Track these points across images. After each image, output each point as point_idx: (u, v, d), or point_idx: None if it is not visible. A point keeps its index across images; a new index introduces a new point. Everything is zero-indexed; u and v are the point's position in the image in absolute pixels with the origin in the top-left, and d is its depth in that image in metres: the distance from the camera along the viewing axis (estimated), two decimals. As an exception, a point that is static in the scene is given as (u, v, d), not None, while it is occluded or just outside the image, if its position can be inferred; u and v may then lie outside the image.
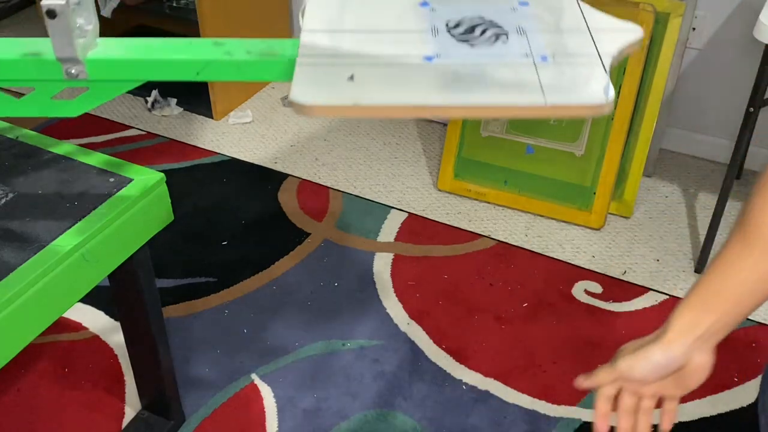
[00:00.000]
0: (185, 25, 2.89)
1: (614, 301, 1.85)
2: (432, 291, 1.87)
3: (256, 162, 2.31)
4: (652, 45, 2.00)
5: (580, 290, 1.88)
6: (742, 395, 1.63)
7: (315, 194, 2.18)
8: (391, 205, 2.15)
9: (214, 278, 1.90)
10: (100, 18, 1.64)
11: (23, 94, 0.95)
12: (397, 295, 1.86)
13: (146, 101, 2.56)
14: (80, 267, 1.11)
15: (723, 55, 2.17)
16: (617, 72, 1.98)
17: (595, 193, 2.05)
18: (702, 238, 2.02)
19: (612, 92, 0.69)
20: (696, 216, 2.11)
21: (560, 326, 1.78)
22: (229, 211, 2.12)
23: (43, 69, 0.90)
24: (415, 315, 1.81)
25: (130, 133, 2.44)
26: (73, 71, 0.87)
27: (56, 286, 1.08)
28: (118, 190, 1.18)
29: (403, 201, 2.16)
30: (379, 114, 0.73)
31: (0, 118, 1.26)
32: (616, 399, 0.86)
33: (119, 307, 1.41)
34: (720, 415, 1.59)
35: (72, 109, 0.94)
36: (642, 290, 1.88)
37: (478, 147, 2.15)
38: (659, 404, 0.87)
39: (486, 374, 1.67)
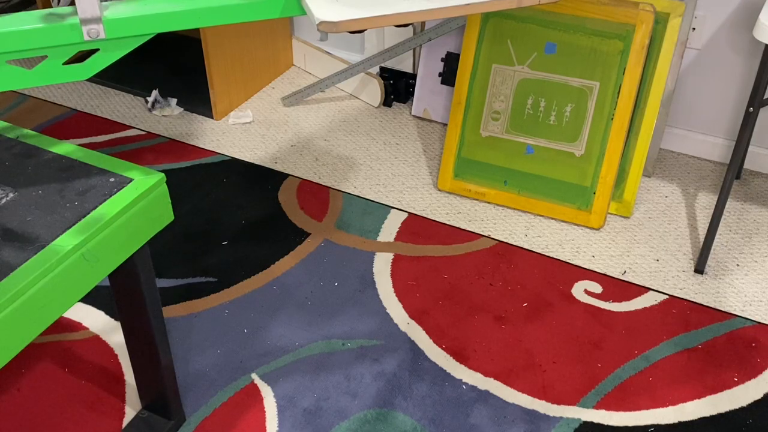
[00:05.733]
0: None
1: (614, 301, 1.85)
2: (432, 291, 1.87)
3: (256, 162, 2.31)
4: (652, 45, 2.00)
5: (580, 290, 1.88)
6: (742, 395, 1.63)
7: (315, 194, 2.18)
8: (391, 205, 2.15)
9: (214, 278, 1.90)
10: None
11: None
12: (397, 295, 1.86)
13: (146, 101, 2.56)
14: (80, 267, 1.11)
15: (723, 55, 2.17)
16: (617, 72, 1.99)
17: (594, 193, 2.05)
18: (702, 238, 2.02)
19: None
20: (696, 216, 2.11)
21: (560, 326, 1.78)
22: (229, 211, 2.12)
23: (60, 34, 0.98)
24: (415, 315, 1.81)
25: (130, 133, 2.44)
26: (93, 32, 0.96)
27: (56, 286, 1.08)
28: (118, 190, 1.18)
29: (403, 201, 2.16)
30: (389, 22, 0.89)
31: (13, 91, 1.28)
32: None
33: (119, 307, 1.41)
34: (720, 415, 1.59)
35: (83, 72, 1.02)
36: (642, 290, 1.88)
37: (477, 147, 2.15)
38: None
39: (486, 374, 1.67)
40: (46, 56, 1.00)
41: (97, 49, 1.02)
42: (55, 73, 1.01)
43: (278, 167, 2.29)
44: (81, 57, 1.04)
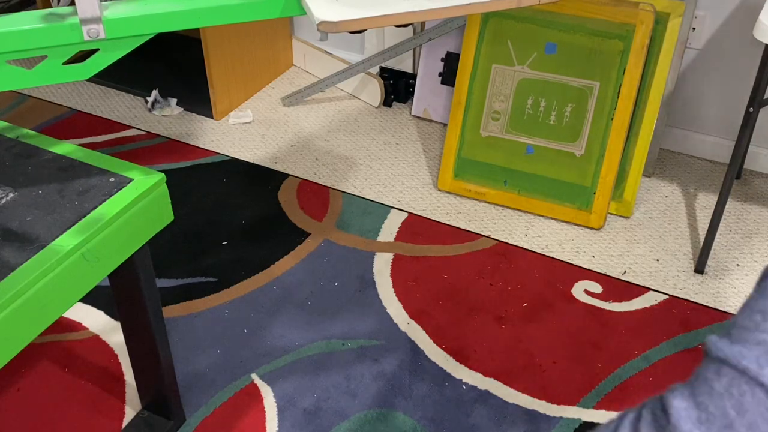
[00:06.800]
0: (185, 25, 2.89)
1: (614, 301, 1.85)
2: (432, 291, 1.87)
3: (256, 162, 2.31)
4: (652, 45, 2.00)
5: (580, 290, 1.88)
6: (742, 395, 1.63)
7: (315, 194, 2.18)
8: (391, 205, 2.15)
9: (214, 278, 1.90)
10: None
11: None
12: (397, 295, 1.86)
13: (146, 101, 2.56)
14: (80, 267, 1.11)
15: (723, 55, 2.17)
16: (617, 72, 1.99)
17: (595, 193, 2.05)
18: (702, 238, 2.02)
19: None
20: (696, 216, 2.11)
21: (560, 326, 1.78)
22: (229, 211, 2.12)
23: (60, 34, 0.98)
24: (415, 315, 1.81)
25: (130, 133, 2.44)
26: (93, 32, 0.96)
27: (56, 286, 1.08)
28: (118, 190, 1.18)
29: (402, 201, 2.16)
30: (389, 22, 0.89)
31: (13, 91, 1.28)
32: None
33: (119, 307, 1.41)
34: (720, 415, 1.59)
35: (83, 72, 1.02)
36: (642, 290, 1.88)
37: (477, 147, 2.15)
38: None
39: (486, 374, 1.67)
40: (46, 56, 1.00)
41: (97, 49, 1.02)
42: (55, 73, 1.01)
43: (278, 167, 2.29)
44: (81, 57, 1.04)
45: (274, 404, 1.61)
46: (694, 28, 2.14)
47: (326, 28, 0.89)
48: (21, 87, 1.02)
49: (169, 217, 1.26)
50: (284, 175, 2.26)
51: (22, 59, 1.00)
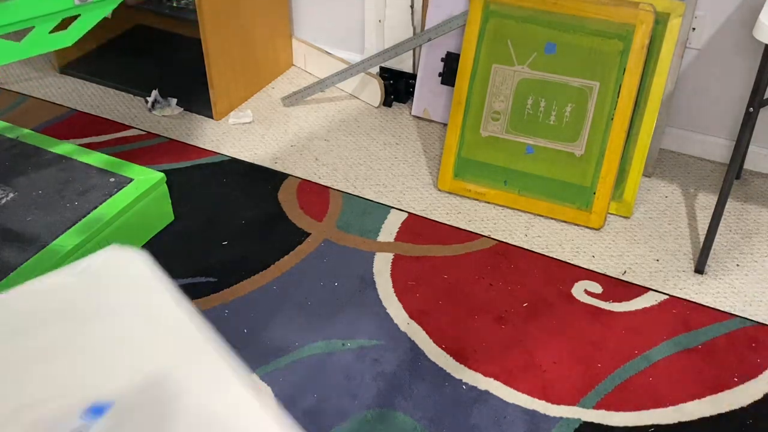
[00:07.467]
0: (185, 25, 2.90)
1: (614, 301, 1.85)
2: (432, 291, 1.87)
3: (256, 162, 2.31)
4: (652, 45, 2.00)
5: (580, 290, 1.88)
6: (742, 395, 1.63)
7: (315, 194, 2.19)
8: (390, 205, 2.15)
9: (214, 278, 1.90)
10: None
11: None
12: (397, 295, 1.86)
13: (146, 101, 2.56)
14: (80, 267, 1.11)
15: (723, 55, 2.17)
16: (617, 72, 1.99)
17: (594, 193, 2.05)
18: (702, 238, 2.02)
19: None
20: (696, 216, 2.11)
21: (560, 326, 1.78)
22: (229, 211, 2.12)
23: (52, 2, 1.02)
24: (415, 315, 1.81)
25: (130, 133, 2.44)
26: None
27: (56, 286, 1.08)
28: (118, 190, 1.19)
29: (402, 201, 2.16)
30: None
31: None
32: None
33: (119, 307, 1.41)
34: (720, 415, 1.59)
35: (68, 38, 1.06)
36: (642, 290, 1.88)
37: (477, 147, 2.15)
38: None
39: (486, 374, 1.67)
40: (33, 27, 1.03)
41: (77, 16, 1.05)
42: (43, 43, 1.04)
43: (278, 167, 2.29)
44: (63, 27, 1.07)
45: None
46: (694, 28, 2.14)
47: None
48: (12, 59, 1.04)
49: (169, 217, 1.26)
50: (284, 175, 2.26)
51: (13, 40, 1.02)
